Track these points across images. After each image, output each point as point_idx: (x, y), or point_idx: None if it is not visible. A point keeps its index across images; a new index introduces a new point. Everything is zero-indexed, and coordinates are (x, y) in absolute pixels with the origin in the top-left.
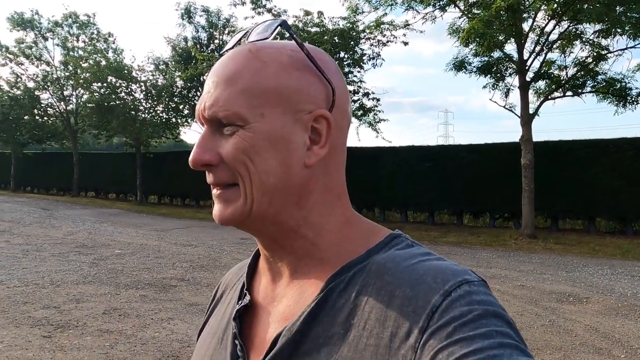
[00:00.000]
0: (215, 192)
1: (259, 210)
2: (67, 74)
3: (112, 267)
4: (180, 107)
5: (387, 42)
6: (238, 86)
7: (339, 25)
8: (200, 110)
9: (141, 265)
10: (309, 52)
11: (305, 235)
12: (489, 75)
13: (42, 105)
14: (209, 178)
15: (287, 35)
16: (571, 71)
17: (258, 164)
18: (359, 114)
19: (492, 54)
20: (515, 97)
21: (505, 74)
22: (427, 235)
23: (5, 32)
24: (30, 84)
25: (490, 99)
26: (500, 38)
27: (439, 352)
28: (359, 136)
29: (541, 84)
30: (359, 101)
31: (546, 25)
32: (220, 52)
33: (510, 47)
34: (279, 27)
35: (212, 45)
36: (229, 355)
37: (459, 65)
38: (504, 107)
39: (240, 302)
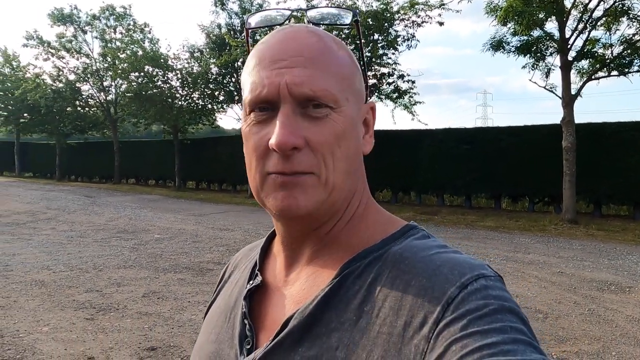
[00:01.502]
0: (286, 178)
1: (334, 197)
2: (105, 65)
3: (151, 251)
4: (216, 93)
5: (422, 22)
6: (329, 68)
7: (372, 6)
8: (282, 85)
9: (179, 250)
10: (363, 47)
11: (342, 223)
12: (528, 55)
13: (83, 96)
14: (285, 164)
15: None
16: (617, 49)
17: (344, 149)
18: (394, 96)
19: (531, 33)
20: (556, 77)
21: (546, 53)
22: (463, 219)
23: (46, 28)
24: (72, 77)
25: (530, 80)
26: (540, 16)
27: (453, 343)
28: (394, 119)
29: (584, 63)
30: (393, 83)
31: (590, 1)
32: (253, 26)
33: (551, 25)
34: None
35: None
36: (237, 334)
37: (497, 45)
38: (545, 87)
39: (251, 283)
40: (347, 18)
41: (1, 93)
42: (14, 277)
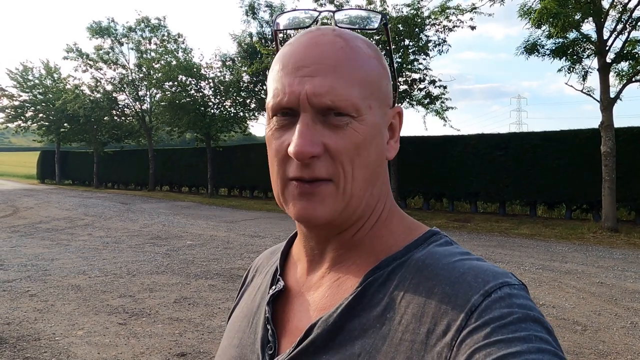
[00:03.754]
0: (305, 187)
1: (354, 205)
2: (141, 75)
3: (183, 257)
4: (247, 101)
5: (454, 27)
6: (351, 76)
7: (402, 12)
8: (302, 94)
9: (211, 256)
10: (391, 47)
11: (366, 227)
12: (564, 58)
13: (120, 106)
14: (304, 171)
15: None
16: None
17: (363, 157)
18: (426, 102)
19: (567, 35)
20: (594, 80)
21: (583, 55)
22: (497, 227)
23: (85, 40)
24: (109, 87)
25: (566, 83)
26: (576, 17)
27: (476, 351)
28: (426, 125)
29: (624, 65)
30: (425, 89)
31: (629, 1)
32: (283, 28)
33: (588, 27)
34: (382, 20)
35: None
36: (259, 339)
37: (531, 49)
38: (582, 91)
39: (273, 288)
40: (376, 21)
41: (44, 104)
42: (52, 282)
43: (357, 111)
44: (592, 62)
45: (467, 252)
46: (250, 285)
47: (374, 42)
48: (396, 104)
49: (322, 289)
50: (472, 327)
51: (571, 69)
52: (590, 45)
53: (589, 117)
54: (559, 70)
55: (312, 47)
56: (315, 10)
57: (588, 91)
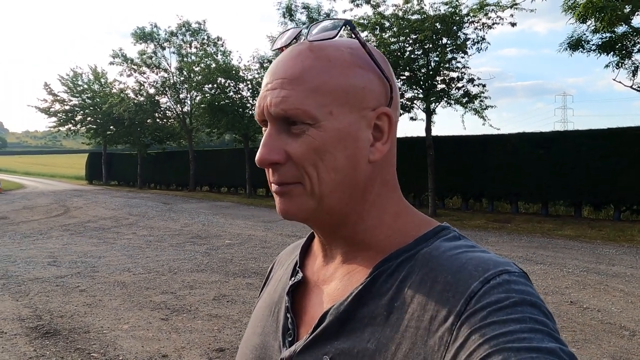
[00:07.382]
0: (277, 188)
1: (327, 205)
2: (182, 78)
3: (222, 256)
4: None
5: (493, 24)
6: (307, 85)
7: (440, 10)
8: (264, 107)
9: (249, 255)
10: (370, 51)
11: (366, 228)
12: (612, 53)
13: (162, 108)
14: (273, 177)
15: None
16: None
17: (328, 161)
18: (464, 101)
19: (614, 29)
20: None
21: (633, 50)
22: (539, 228)
23: (130, 46)
24: (151, 90)
25: (614, 79)
26: (626, 10)
27: (472, 333)
28: (464, 124)
29: None
30: (463, 88)
31: None
32: (272, 48)
33: (639, 20)
34: (344, 27)
35: None
36: (280, 326)
37: (575, 45)
38: (631, 87)
39: (293, 279)
40: (338, 26)
41: (92, 108)
42: (100, 278)
43: (313, 119)
44: None
45: (473, 245)
46: (272, 278)
47: (412, 39)
48: (384, 107)
49: (335, 282)
50: (470, 312)
51: (619, 64)
52: None
53: None
54: (606, 66)
55: (278, 64)
56: (297, 27)
57: (638, 87)
